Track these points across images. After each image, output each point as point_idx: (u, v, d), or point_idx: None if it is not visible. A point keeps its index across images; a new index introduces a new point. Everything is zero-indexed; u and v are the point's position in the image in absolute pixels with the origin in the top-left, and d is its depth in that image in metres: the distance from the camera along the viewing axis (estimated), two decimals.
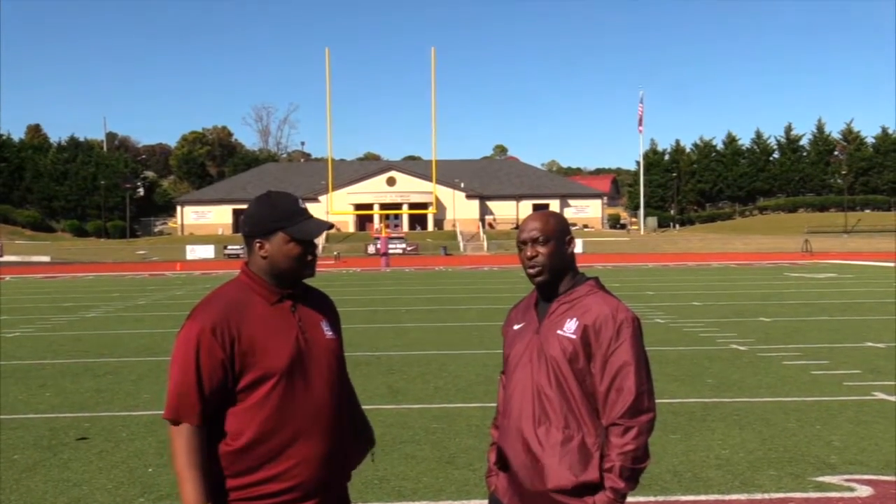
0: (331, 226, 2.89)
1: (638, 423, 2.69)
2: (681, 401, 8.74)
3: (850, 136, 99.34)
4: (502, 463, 2.90)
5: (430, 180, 68.09)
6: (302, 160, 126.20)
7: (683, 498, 5.67)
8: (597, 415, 2.75)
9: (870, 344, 12.78)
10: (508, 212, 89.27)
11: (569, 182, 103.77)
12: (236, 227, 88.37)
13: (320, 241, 69.34)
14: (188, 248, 70.07)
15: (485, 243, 75.56)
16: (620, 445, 2.68)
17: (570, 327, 2.78)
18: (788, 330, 14.72)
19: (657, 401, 8.62)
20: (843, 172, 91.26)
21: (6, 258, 63.18)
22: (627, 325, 2.74)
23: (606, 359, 2.72)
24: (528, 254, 2.88)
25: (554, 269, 2.87)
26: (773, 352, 12.07)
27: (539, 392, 2.79)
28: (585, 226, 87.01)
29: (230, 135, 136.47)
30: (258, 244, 2.72)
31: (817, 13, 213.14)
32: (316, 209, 78.45)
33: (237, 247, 68.03)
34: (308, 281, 2.85)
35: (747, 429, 7.52)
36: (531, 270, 2.90)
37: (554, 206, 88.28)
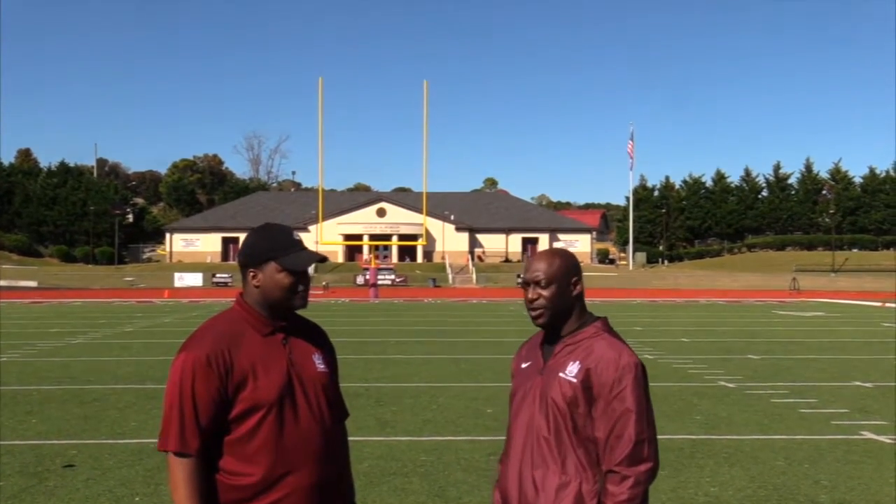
0: (323, 258, 2.92)
1: (635, 472, 2.62)
2: (669, 437, 8.70)
3: (838, 175, 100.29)
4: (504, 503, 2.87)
5: (420, 212, 68.19)
6: (292, 189, 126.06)
7: None
8: (596, 461, 2.69)
9: (857, 383, 12.81)
10: (498, 245, 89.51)
11: (558, 216, 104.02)
12: (225, 255, 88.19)
13: (309, 270, 69.30)
14: (176, 275, 69.68)
15: (474, 276, 75.60)
16: (616, 494, 2.62)
17: (571, 370, 2.72)
18: (777, 368, 14.74)
19: None
20: (832, 211, 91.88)
21: None
22: (630, 371, 2.67)
23: (608, 404, 2.67)
24: (530, 296, 2.83)
25: (555, 312, 2.81)
26: (761, 389, 12.08)
27: (538, 435, 2.75)
28: None
29: (221, 163, 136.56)
30: (251, 273, 2.76)
31: (807, 53, 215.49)
32: (305, 239, 77.45)
33: (225, 275, 67.86)
34: (301, 312, 2.87)
35: (736, 466, 7.52)
36: (532, 313, 2.85)
37: (543, 239, 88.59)
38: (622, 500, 2.61)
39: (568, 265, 2.85)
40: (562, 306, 2.82)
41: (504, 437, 2.95)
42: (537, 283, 2.82)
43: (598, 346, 2.75)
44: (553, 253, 2.90)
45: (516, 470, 2.79)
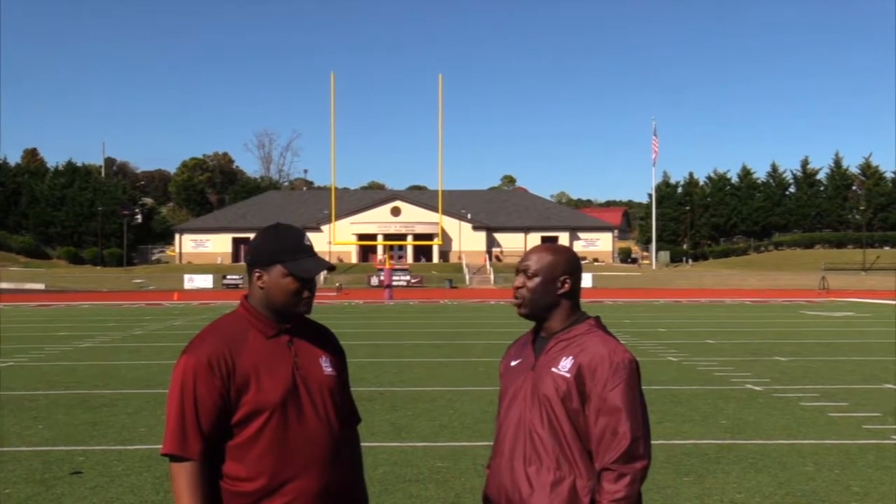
0: (332, 267, 2.85)
1: (632, 469, 2.61)
2: (694, 442, 8.57)
3: (868, 170, 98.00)
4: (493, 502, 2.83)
5: (436, 211, 68.22)
6: (304, 188, 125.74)
7: None
8: (589, 457, 2.67)
9: (889, 386, 12.54)
10: (516, 244, 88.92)
11: (579, 214, 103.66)
12: (236, 256, 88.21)
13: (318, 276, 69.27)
14: (186, 277, 69.42)
15: (491, 276, 75.27)
16: (612, 492, 2.59)
17: (564, 365, 2.71)
18: (805, 370, 14.48)
19: (671, 441, 8.38)
20: (862, 208, 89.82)
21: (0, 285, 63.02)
22: (624, 368, 2.66)
23: (602, 401, 2.64)
24: (516, 283, 2.87)
25: (535, 304, 2.82)
26: (789, 392, 11.84)
27: (531, 431, 2.72)
28: (596, 259, 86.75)
29: (231, 161, 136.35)
30: (257, 274, 2.73)
31: (835, 48, 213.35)
32: (318, 239, 78.21)
33: (236, 276, 67.77)
34: (312, 314, 2.83)
35: (763, 472, 7.36)
36: (514, 301, 2.89)
37: (563, 238, 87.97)
38: (620, 498, 2.59)
39: (559, 262, 2.84)
40: (542, 300, 2.82)
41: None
42: (524, 273, 2.85)
43: (591, 342, 2.73)
44: (550, 248, 2.90)
45: (509, 466, 2.75)
